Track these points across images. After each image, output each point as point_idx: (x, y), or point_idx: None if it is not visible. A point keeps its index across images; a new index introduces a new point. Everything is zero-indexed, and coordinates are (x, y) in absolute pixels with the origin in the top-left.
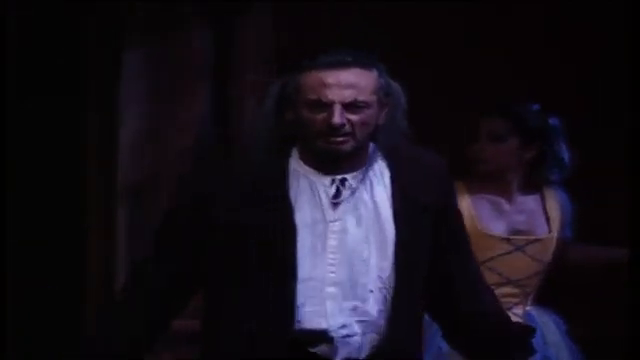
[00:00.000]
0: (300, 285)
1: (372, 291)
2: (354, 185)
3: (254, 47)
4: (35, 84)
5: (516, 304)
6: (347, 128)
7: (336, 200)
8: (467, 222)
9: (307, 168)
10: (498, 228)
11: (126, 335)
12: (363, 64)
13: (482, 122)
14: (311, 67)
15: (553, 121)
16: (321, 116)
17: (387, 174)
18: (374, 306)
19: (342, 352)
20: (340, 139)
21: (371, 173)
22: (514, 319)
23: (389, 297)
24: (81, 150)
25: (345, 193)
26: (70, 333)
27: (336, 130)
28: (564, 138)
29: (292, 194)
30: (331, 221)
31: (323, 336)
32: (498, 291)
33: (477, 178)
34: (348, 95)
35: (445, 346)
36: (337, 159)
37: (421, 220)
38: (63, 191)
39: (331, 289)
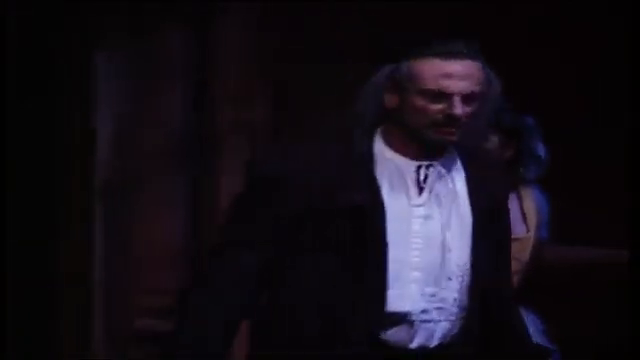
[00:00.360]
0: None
1: (450, 279)
2: (441, 172)
3: (235, 47)
4: (14, 84)
5: None
6: (463, 121)
7: (422, 185)
8: None
9: (393, 153)
10: None
11: (222, 322)
12: (474, 55)
13: None
14: (426, 54)
15: (528, 119)
16: (438, 106)
17: (459, 165)
18: (450, 294)
19: (419, 338)
20: (453, 130)
21: (449, 162)
22: None
23: (464, 287)
24: (59, 150)
25: (431, 179)
26: (45, 330)
27: (455, 121)
28: (540, 136)
29: (378, 177)
30: (415, 206)
31: (405, 320)
32: None
33: None
34: (467, 86)
35: None
36: (435, 147)
37: (489, 215)
38: (41, 190)
39: (415, 273)
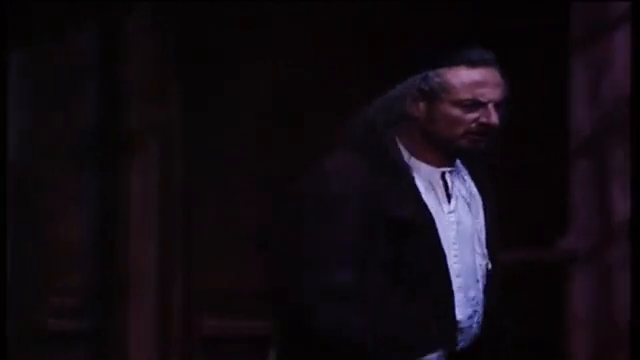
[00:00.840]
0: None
1: (478, 280)
2: (460, 176)
3: (144, 47)
4: None
5: None
6: (497, 127)
7: (450, 192)
8: None
9: (417, 161)
10: None
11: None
12: (496, 62)
13: None
14: (457, 63)
15: None
16: (473, 115)
17: (464, 167)
18: (480, 295)
19: (464, 340)
20: (484, 137)
21: (461, 166)
22: None
23: (484, 287)
24: None
25: (456, 185)
26: None
27: (490, 129)
28: None
29: (417, 184)
30: (449, 212)
31: (460, 327)
32: None
33: None
34: (499, 94)
35: None
36: (457, 154)
37: (492, 213)
38: None
39: (458, 280)
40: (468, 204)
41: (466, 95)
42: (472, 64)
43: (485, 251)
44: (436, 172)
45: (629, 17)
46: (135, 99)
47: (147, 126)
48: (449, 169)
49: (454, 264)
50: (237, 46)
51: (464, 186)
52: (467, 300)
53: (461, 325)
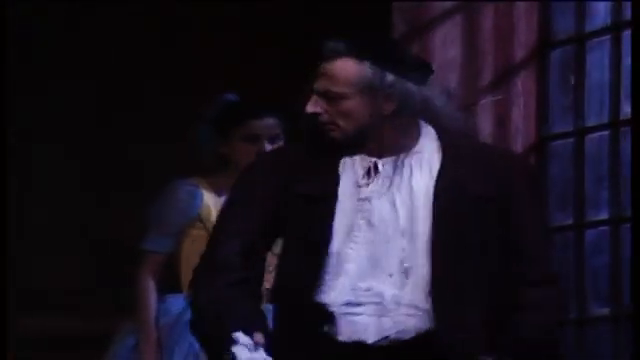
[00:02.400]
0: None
1: (391, 275)
2: (386, 169)
3: None
4: None
5: None
6: (324, 117)
7: (366, 181)
8: (214, 216)
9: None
10: None
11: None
12: (354, 53)
13: (258, 124)
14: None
15: None
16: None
17: (437, 164)
18: (390, 290)
19: (345, 331)
20: (326, 127)
21: (414, 160)
22: None
23: (422, 285)
24: None
25: (375, 176)
26: None
27: (314, 117)
28: None
29: (340, 169)
30: (360, 199)
31: (323, 310)
32: None
33: None
34: (323, 85)
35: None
36: (337, 144)
37: (472, 211)
38: None
39: (348, 265)
40: (393, 199)
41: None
42: (324, 55)
43: (420, 251)
44: (364, 160)
45: (448, 15)
46: None
47: None
48: (373, 159)
49: (348, 249)
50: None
51: (398, 181)
52: (353, 288)
53: (331, 309)
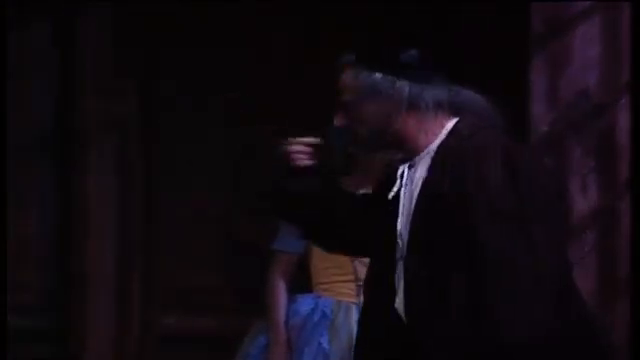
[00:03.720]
0: None
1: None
2: (405, 174)
3: (94, 47)
4: None
5: None
6: (347, 127)
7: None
8: None
9: None
10: None
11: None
12: (352, 64)
13: None
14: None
15: None
16: None
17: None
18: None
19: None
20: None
21: (423, 161)
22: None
23: (406, 288)
24: None
25: (399, 183)
26: None
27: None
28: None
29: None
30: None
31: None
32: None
33: None
34: (339, 97)
35: (326, 342)
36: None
37: (439, 211)
38: None
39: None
40: (403, 204)
41: None
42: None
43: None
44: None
45: (587, 14)
46: (91, 98)
47: (104, 124)
48: (406, 165)
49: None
50: (193, 41)
51: (409, 185)
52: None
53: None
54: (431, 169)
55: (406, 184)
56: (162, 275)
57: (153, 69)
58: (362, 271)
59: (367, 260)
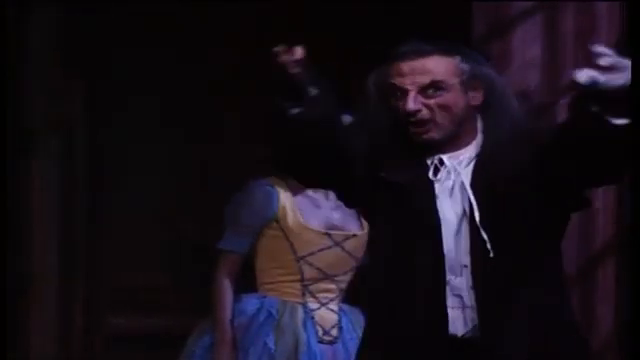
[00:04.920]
0: None
1: (466, 266)
2: (452, 166)
3: (44, 47)
4: None
5: (332, 299)
6: (424, 114)
7: (434, 179)
8: (290, 217)
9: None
10: (317, 223)
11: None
12: (443, 51)
13: None
14: (394, 58)
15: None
16: (400, 104)
17: (474, 161)
18: (466, 282)
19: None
20: (421, 129)
21: (474, 154)
22: (328, 315)
23: (480, 275)
24: None
25: (442, 173)
26: None
27: (411, 116)
28: None
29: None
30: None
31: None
32: (315, 286)
33: None
34: (422, 80)
35: (272, 342)
36: (430, 148)
37: (509, 195)
38: None
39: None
40: (455, 195)
41: (392, 84)
42: (402, 56)
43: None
44: (428, 158)
45: (528, 14)
46: (38, 98)
47: (49, 125)
48: (437, 157)
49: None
50: (143, 45)
51: (461, 177)
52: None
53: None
54: (487, 159)
55: (449, 177)
56: (107, 275)
57: (100, 69)
58: (308, 271)
59: (313, 260)
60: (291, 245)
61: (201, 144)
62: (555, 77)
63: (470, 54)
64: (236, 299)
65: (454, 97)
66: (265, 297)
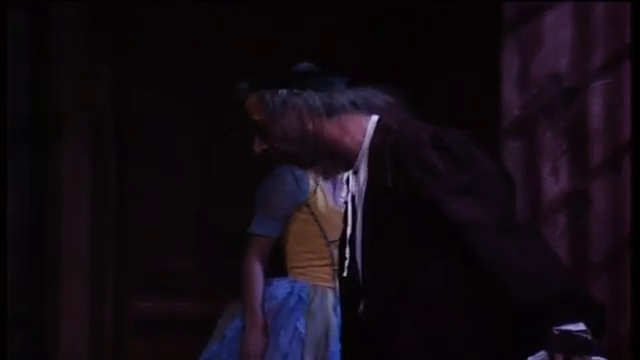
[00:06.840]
0: None
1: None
2: (351, 180)
3: (71, 33)
4: None
5: None
6: (266, 149)
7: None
8: (321, 201)
9: None
10: None
11: None
12: (253, 89)
13: None
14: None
15: None
16: None
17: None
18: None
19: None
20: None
21: (362, 165)
22: None
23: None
24: None
25: (344, 190)
26: None
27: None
28: None
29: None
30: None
31: None
32: None
33: None
34: (256, 123)
35: (302, 326)
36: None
37: (386, 204)
38: None
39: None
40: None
41: None
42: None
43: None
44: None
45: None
46: (66, 82)
47: (78, 109)
48: (350, 171)
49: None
50: (169, 27)
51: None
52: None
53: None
54: (370, 168)
55: (353, 188)
56: (137, 260)
57: (128, 54)
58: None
59: None
60: (321, 229)
61: (233, 131)
62: (585, 61)
63: (272, 85)
64: (266, 283)
65: (278, 129)
66: (295, 281)
